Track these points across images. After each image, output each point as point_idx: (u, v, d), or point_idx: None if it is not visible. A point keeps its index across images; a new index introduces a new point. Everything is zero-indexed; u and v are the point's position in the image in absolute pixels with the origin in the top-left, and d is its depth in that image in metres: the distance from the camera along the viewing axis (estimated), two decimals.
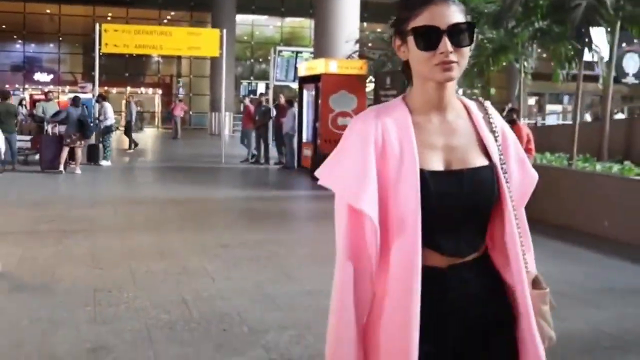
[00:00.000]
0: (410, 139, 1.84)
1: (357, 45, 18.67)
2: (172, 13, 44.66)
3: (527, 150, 11.36)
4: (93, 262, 7.08)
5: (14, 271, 6.62)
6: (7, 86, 33.70)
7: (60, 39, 44.79)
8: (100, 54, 20.71)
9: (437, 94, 1.88)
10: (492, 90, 25.99)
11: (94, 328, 4.98)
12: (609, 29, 12.33)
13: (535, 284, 2.00)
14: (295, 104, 19.12)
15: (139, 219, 10.11)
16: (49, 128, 17.39)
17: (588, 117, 32.24)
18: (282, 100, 20.20)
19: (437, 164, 1.86)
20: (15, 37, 44.51)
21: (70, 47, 45.36)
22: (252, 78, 43.35)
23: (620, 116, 21.96)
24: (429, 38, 1.80)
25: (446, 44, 1.78)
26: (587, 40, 11.70)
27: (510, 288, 1.92)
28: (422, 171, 1.82)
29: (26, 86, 40.62)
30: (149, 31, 21.14)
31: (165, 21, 43.04)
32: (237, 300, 5.79)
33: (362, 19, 22.00)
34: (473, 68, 14.43)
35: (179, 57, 42.91)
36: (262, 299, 5.87)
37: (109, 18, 42.17)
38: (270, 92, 26.35)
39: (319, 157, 15.87)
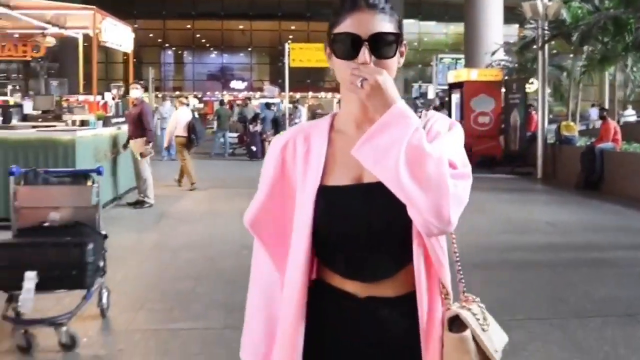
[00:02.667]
0: (320, 154, 1.74)
1: (495, 55, 22.05)
2: None
3: (615, 141, 14.72)
4: None
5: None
6: (207, 93, 40.03)
7: (250, 50, 51.06)
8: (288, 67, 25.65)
9: (361, 106, 1.71)
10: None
11: None
12: None
13: (453, 325, 1.69)
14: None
15: None
16: (250, 127, 22.42)
17: None
18: (437, 103, 24.15)
19: (343, 180, 1.71)
20: (213, 50, 51.42)
21: (259, 58, 51.60)
22: (420, 81, 47.22)
23: None
24: (348, 46, 1.65)
25: (364, 53, 1.63)
26: None
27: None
28: (324, 187, 1.71)
29: (224, 92, 46.98)
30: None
31: None
32: None
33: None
34: (584, 74, 17.73)
35: None
36: None
37: (292, 28, 47.84)
38: (433, 94, 30.35)
39: None
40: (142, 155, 11.26)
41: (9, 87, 26.53)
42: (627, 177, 13.74)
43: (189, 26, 49.23)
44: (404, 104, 1.61)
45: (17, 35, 13.65)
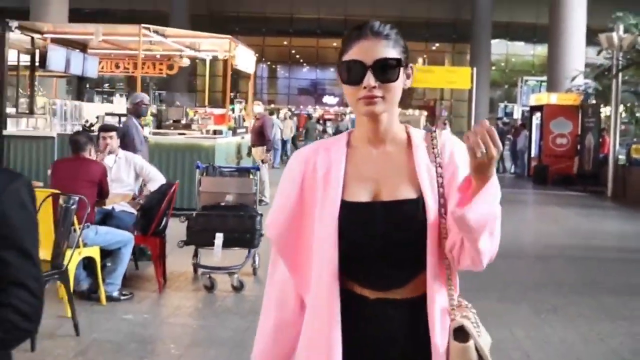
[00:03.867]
0: (339, 171, 1.85)
1: (575, 80, 23.27)
2: (437, 44, 51.33)
3: None
4: None
5: None
6: (300, 107, 42.45)
7: None
8: None
9: (371, 127, 1.86)
10: None
11: None
12: None
13: (457, 334, 1.82)
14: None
15: None
16: None
17: None
18: (518, 123, 25.78)
19: (362, 196, 1.84)
20: (306, 66, 54.07)
21: None
22: (506, 102, 48.27)
23: None
24: (354, 72, 1.80)
25: (369, 78, 1.78)
26: None
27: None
28: (344, 202, 1.82)
29: (316, 107, 49.33)
30: (416, 69, 27.64)
31: (432, 50, 49.80)
32: None
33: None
34: None
35: None
36: None
37: None
38: (518, 114, 31.76)
39: (541, 168, 21.32)
40: (263, 161, 13.48)
41: (117, 95, 29.44)
42: None
43: (285, 43, 52.02)
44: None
45: (158, 56, 16.16)
